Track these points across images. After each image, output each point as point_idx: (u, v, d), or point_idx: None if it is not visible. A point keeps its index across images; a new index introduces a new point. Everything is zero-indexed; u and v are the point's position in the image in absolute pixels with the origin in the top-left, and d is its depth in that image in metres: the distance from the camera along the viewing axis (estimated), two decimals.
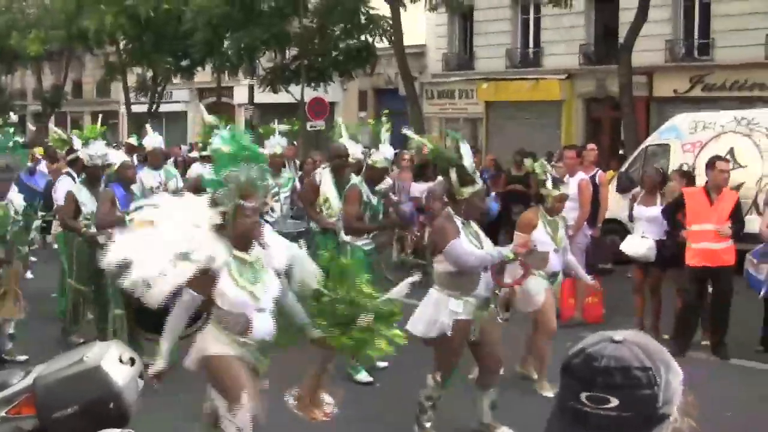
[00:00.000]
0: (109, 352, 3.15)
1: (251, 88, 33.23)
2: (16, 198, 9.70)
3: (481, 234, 7.69)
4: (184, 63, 35.11)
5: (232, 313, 5.86)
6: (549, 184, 9.33)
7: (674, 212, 10.95)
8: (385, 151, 10.02)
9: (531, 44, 32.04)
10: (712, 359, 10.48)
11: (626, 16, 25.44)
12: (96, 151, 10.67)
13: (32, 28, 37.77)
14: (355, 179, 10.12)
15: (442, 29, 34.08)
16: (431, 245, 8.09)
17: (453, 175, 7.46)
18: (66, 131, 15.26)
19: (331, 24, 29.96)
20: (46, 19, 36.91)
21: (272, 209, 12.09)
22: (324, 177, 10.71)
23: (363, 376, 9.50)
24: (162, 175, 12.81)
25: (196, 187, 11.05)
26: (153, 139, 13.25)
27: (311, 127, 29.14)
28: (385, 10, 28.39)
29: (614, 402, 1.78)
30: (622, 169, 18.24)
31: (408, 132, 9.65)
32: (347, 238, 9.84)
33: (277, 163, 12.43)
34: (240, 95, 38.33)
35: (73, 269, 10.81)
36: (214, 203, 5.82)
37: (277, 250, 6.06)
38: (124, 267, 5.63)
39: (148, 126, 14.56)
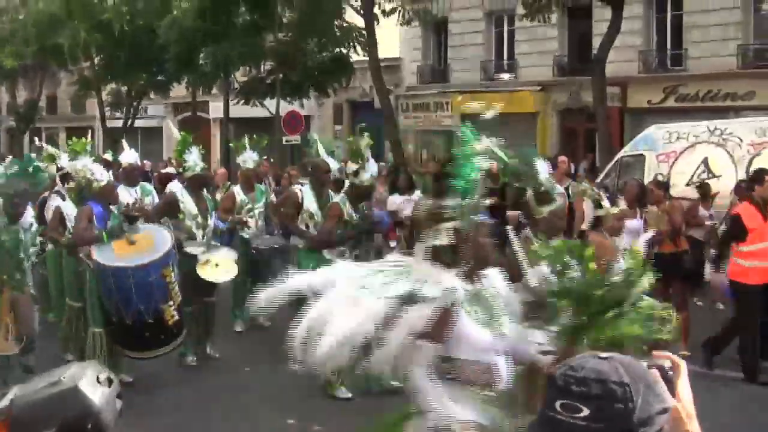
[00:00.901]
0: (87, 372, 3.12)
1: (226, 103, 33.19)
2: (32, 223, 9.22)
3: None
4: (159, 78, 35.02)
5: (474, 361, 4.45)
6: (606, 203, 8.89)
7: (734, 236, 10.40)
8: (371, 169, 9.93)
9: (505, 56, 32.17)
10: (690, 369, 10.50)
11: (600, 28, 25.59)
12: (83, 166, 10.61)
13: (5, 42, 37.60)
14: (336, 196, 10.10)
15: (417, 42, 34.20)
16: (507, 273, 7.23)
17: (530, 193, 6.98)
18: (42, 147, 15.04)
19: (306, 38, 29.96)
20: (20, 33, 36.74)
21: (248, 226, 12.02)
22: (305, 193, 10.68)
23: (343, 392, 9.32)
24: (138, 191, 12.74)
25: (170, 204, 10.94)
26: (129, 155, 13.18)
27: (287, 141, 29.12)
28: (359, 23, 28.45)
29: (585, 411, 1.80)
30: (597, 180, 18.33)
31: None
32: (329, 256, 9.57)
33: (249, 178, 12.48)
34: (215, 110, 38.28)
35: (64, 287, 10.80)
36: (443, 217, 4.57)
37: (494, 274, 4.73)
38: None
39: (124, 142, 14.47)
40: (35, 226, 9.03)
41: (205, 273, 10.45)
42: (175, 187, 13.29)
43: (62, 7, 33.44)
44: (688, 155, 16.84)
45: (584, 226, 14.21)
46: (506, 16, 31.71)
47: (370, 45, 27.23)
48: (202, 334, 10.99)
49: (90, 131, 12.43)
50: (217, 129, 38.55)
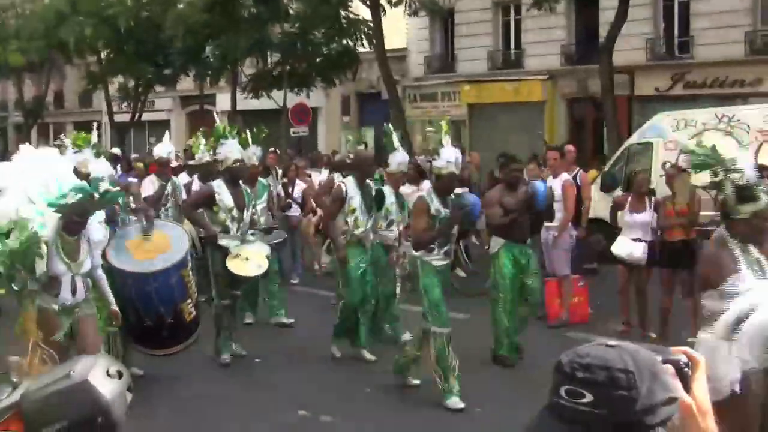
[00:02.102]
0: (97, 366, 3.14)
1: (234, 95, 33.20)
2: (96, 232, 8.04)
3: (763, 260, 5.92)
4: (166, 72, 35.03)
5: None
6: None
7: None
8: (447, 156, 9.13)
9: (512, 46, 32.12)
10: None
11: (607, 16, 25.53)
12: (83, 160, 10.40)
13: (12, 38, 37.61)
14: (424, 192, 9.52)
15: (424, 32, 34.12)
16: (701, 279, 6.35)
17: (728, 188, 6.11)
18: (49, 142, 15.08)
19: (313, 29, 29.96)
20: (26, 29, 36.76)
21: (253, 222, 11.41)
22: (348, 187, 10.34)
23: (454, 402, 8.75)
24: (169, 185, 12.78)
25: (205, 197, 10.56)
26: (162, 148, 13.13)
27: (294, 133, 29.13)
28: (365, 14, 28.44)
29: (588, 397, 1.80)
30: (605, 168, 18.30)
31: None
32: (417, 254, 9.06)
33: (253, 174, 12.00)
34: (223, 102, 38.30)
35: None
36: None
37: None
38: None
39: (167, 133, 14.38)
40: (104, 233, 8.50)
41: (234, 266, 10.21)
42: (182, 179, 13.15)
43: (67, 2, 33.45)
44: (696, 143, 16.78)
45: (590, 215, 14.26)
46: (513, 6, 31.64)
47: (377, 36, 27.22)
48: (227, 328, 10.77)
49: (96, 125, 12.10)
50: (224, 122, 38.57)
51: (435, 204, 8.99)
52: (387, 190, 10.74)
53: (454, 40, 33.65)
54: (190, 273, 9.64)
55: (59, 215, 7.40)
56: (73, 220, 7.49)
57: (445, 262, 9.15)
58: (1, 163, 8.04)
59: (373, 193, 10.50)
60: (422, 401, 8.97)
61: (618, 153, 18.66)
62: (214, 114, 12.96)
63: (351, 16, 29.49)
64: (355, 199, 10.26)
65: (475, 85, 31.75)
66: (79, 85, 43.73)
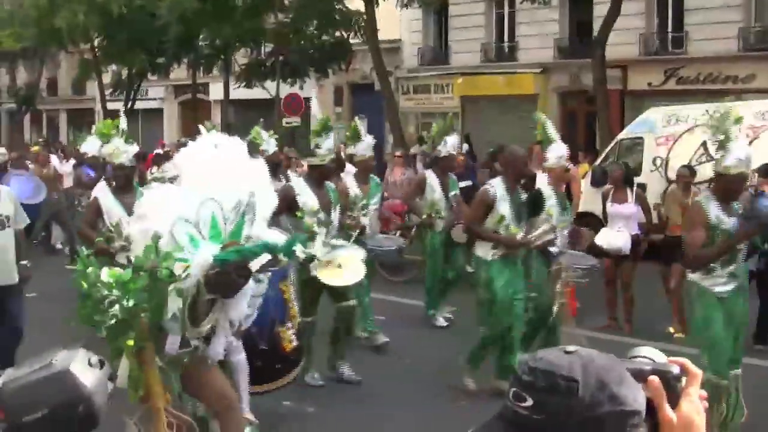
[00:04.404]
0: (78, 355, 3.17)
1: (226, 85, 33.16)
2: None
3: None
4: (159, 60, 34.96)
5: None
6: None
7: None
8: (737, 153, 7.11)
9: (506, 38, 32.12)
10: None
11: (600, 10, 25.53)
12: (114, 149, 9.40)
13: (5, 24, 37.50)
14: (700, 196, 7.77)
15: (417, 24, 34.11)
16: None
17: None
18: (42, 130, 14.99)
19: (306, 20, 29.94)
20: (18, 16, 36.64)
21: (362, 227, 10.03)
22: (497, 190, 8.76)
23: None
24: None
25: (285, 200, 9.25)
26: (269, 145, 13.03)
27: (287, 123, 29.11)
28: (359, 5, 28.41)
29: (529, 401, 1.78)
30: (596, 162, 18.34)
31: None
32: (694, 277, 7.37)
33: (367, 167, 10.57)
34: (216, 92, 38.25)
35: None
36: None
37: None
38: None
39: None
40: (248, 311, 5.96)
41: (326, 275, 8.80)
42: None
43: None
44: (687, 138, 16.82)
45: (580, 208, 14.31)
46: None
47: (370, 27, 27.20)
48: (338, 347, 9.49)
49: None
50: (217, 111, 38.50)
51: (714, 211, 7.19)
52: (546, 189, 9.29)
53: (447, 33, 33.66)
54: (291, 291, 7.95)
55: (216, 263, 5.29)
56: (232, 279, 5.34)
57: (730, 287, 7.27)
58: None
59: (524, 197, 8.99)
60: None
61: (609, 147, 18.70)
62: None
63: (344, 9, 29.45)
64: (504, 206, 8.69)
65: (468, 77, 31.74)
66: (73, 73, 43.59)
